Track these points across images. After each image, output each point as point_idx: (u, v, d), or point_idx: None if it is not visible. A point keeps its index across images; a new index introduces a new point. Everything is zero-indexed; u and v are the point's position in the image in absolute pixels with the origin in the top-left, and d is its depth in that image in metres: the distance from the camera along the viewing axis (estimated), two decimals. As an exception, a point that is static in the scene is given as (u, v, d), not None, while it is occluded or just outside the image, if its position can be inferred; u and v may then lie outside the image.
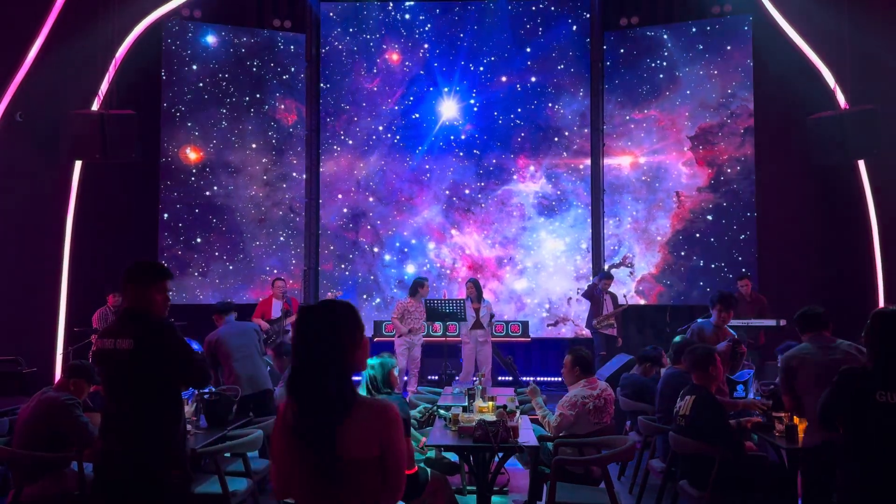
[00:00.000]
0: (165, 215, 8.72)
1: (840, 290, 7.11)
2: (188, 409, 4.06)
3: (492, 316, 7.71)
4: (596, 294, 7.99)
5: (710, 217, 8.74)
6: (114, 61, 6.70)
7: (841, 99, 6.43)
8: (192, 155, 8.84)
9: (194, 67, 8.83)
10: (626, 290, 8.60)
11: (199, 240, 8.84)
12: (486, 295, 8.20)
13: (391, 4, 9.38)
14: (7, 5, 6.38)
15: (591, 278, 8.75)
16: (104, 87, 6.69)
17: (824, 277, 7.49)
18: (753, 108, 8.43)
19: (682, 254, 8.85)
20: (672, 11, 8.81)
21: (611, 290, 8.14)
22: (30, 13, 6.48)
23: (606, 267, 8.96)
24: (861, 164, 6.86)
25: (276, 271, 9.00)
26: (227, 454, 4.15)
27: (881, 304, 6.63)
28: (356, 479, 1.81)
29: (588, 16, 9.17)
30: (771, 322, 6.67)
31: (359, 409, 1.85)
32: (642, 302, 8.91)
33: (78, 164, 6.99)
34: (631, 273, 9.01)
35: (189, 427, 3.82)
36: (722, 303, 5.05)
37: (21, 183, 6.67)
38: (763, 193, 8.41)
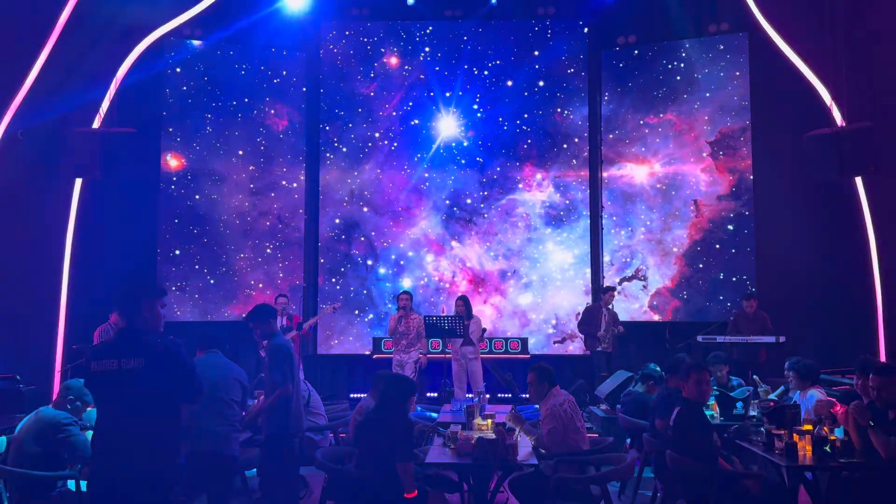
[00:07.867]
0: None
1: (839, 307, 9.14)
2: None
3: (483, 331, 9.49)
4: (593, 310, 9.79)
5: (730, 227, 10.64)
6: (115, 80, 8.77)
7: (837, 116, 8.42)
8: (172, 162, 10.76)
9: (178, 70, 10.81)
10: (638, 304, 10.64)
11: (178, 252, 10.72)
12: (489, 310, 10.22)
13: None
14: (9, 24, 8.37)
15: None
16: (105, 105, 8.75)
17: (823, 295, 9.40)
18: (750, 124, 10.45)
19: (701, 266, 10.75)
20: (670, 30, 10.89)
21: (615, 306, 9.99)
22: (32, 32, 8.50)
23: (617, 280, 11.00)
24: (858, 180, 8.89)
25: (261, 285, 10.96)
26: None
27: (880, 319, 8.65)
28: None
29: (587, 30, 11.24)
30: (770, 339, 8.70)
31: None
32: (656, 318, 10.88)
33: (78, 182, 9.05)
34: (644, 287, 11.02)
35: None
36: None
37: (21, 200, 8.67)
38: (761, 210, 10.35)
